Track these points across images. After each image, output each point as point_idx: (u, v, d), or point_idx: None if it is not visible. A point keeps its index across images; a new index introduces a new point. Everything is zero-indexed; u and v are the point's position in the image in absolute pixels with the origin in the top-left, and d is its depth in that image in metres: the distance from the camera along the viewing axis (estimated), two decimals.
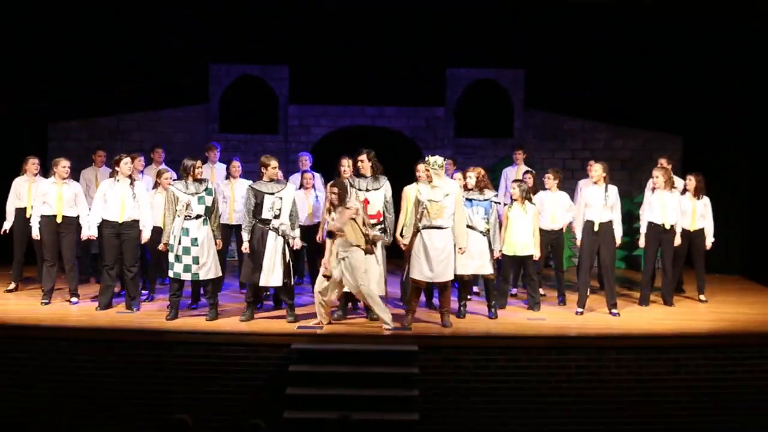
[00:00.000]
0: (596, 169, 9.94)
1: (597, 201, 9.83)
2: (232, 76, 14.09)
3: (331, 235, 9.14)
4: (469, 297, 10.03)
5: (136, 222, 9.81)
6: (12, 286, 10.96)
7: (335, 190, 9.18)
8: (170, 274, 9.44)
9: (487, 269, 9.63)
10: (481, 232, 9.60)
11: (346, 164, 9.99)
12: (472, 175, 9.75)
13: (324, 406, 8.26)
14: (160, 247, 9.49)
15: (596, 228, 9.83)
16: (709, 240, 10.81)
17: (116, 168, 9.77)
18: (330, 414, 7.70)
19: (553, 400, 8.65)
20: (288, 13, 13.35)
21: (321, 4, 13.15)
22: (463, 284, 9.80)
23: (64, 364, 8.76)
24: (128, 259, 9.80)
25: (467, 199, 9.63)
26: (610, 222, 9.88)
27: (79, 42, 13.23)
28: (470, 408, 8.61)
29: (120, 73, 13.53)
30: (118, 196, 9.71)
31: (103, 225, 9.79)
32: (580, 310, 9.96)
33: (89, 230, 9.91)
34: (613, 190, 9.90)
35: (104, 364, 8.75)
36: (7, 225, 10.95)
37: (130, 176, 9.81)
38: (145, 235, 9.87)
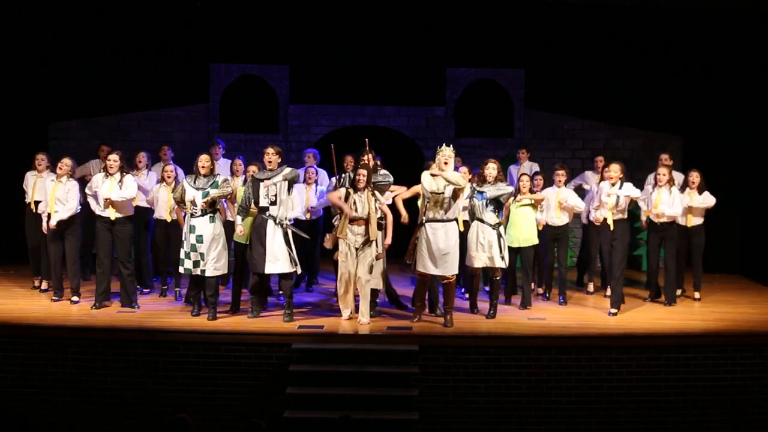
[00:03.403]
0: (615, 170, 9.92)
1: (611, 201, 9.84)
2: (232, 76, 14.09)
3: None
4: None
5: (127, 218, 9.86)
6: (41, 284, 10.95)
7: (363, 172, 9.27)
8: (180, 269, 9.55)
9: (497, 262, 9.59)
10: (491, 225, 9.59)
11: (349, 160, 10.37)
12: (494, 167, 9.71)
13: (324, 405, 8.27)
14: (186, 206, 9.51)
15: (611, 227, 9.86)
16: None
17: (106, 162, 9.88)
18: (330, 413, 7.73)
19: (553, 400, 8.66)
20: (288, 13, 13.35)
21: (321, 3, 13.15)
22: (472, 279, 9.84)
23: (64, 363, 8.77)
24: (121, 254, 9.83)
25: (479, 192, 9.64)
26: (624, 220, 9.88)
27: (79, 42, 13.23)
28: (470, 408, 8.62)
29: (120, 73, 13.53)
30: (106, 191, 9.73)
31: (96, 219, 9.85)
32: (614, 311, 9.92)
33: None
34: (627, 188, 9.91)
35: (104, 364, 8.76)
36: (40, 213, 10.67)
37: (121, 172, 9.83)
38: (131, 193, 9.88)
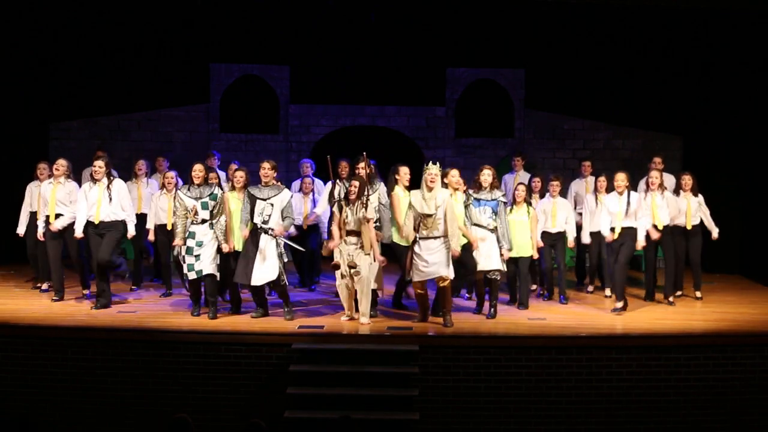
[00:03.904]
0: (621, 179, 9.95)
1: (620, 210, 9.89)
2: (232, 76, 14.10)
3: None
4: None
5: (115, 223, 9.78)
6: (42, 284, 10.97)
7: (355, 183, 9.24)
8: (183, 276, 9.64)
9: (495, 264, 9.62)
10: (488, 229, 9.64)
11: (344, 166, 10.23)
12: (489, 173, 9.76)
13: (324, 405, 8.27)
14: (176, 242, 9.52)
15: (616, 236, 9.90)
16: (715, 231, 10.84)
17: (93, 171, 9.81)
18: (331, 413, 7.74)
19: (553, 400, 8.65)
20: (288, 13, 13.36)
21: (321, 3, 13.16)
22: (475, 282, 9.86)
23: (64, 363, 8.76)
24: (104, 255, 9.68)
25: (476, 199, 9.70)
26: (631, 228, 9.91)
27: (79, 42, 13.23)
28: (470, 408, 8.62)
29: (120, 73, 13.54)
30: (95, 198, 9.72)
31: (88, 227, 9.81)
32: (619, 305, 9.96)
33: (77, 231, 9.91)
34: (635, 197, 9.98)
35: (104, 364, 8.75)
36: (20, 229, 10.90)
37: (108, 176, 9.79)
38: (131, 231, 9.95)
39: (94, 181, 9.78)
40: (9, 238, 11.22)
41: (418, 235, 9.17)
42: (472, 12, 13.30)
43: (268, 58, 14.02)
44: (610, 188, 10.36)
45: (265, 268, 9.26)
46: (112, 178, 9.86)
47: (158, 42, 13.47)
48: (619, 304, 9.93)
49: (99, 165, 9.80)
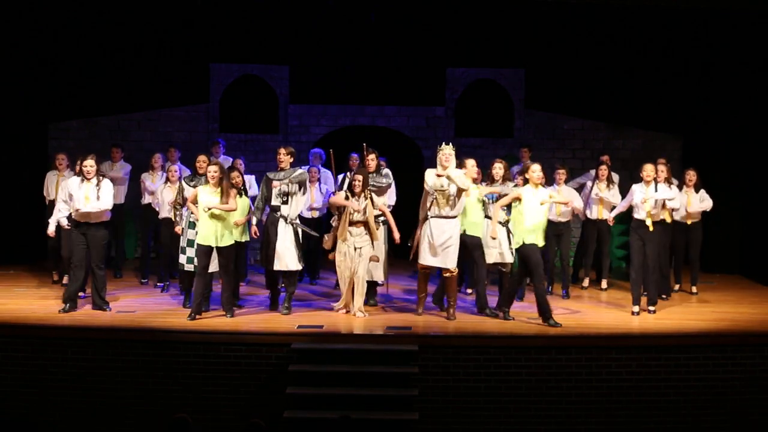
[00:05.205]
0: (650, 170, 9.94)
1: (649, 205, 9.89)
2: (232, 76, 14.08)
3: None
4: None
5: (101, 223, 9.69)
6: (61, 279, 11.00)
7: (358, 176, 9.44)
8: (179, 266, 9.79)
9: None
10: (500, 222, 9.76)
11: (355, 159, 10.54)
12: (501, 167, 10.00)
13: (324, 405, 8.28)
14: (176, 229, 9.79)
15: (651, 228, 9.89)
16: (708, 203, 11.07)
17: (81, 168, 9.65)
18: (330, 413, 7.74)
19: (553, 400, 8.66)
20: (288, 13, 13.35)
21: (321, 3, 13.15)
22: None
23: (64, 363, 8.76)
24: (95, 258, 9.67)
25: (489, 192, 9.89)
26: (655, 222, 9.90)
27: (79, 42, 13.22)
28: (470, 408, 8.62)
29: (120, 73, 13.53)
30: (82, 195, 9.59)
31: (71, 224, 9.75)
32: (636, 309, 9.92)
33: (49, 228, 9.95)
34: (662, 186, 9.99)
35: (104, 364, 8.76)
36: (50, 229, 10.35)
37: (98, 176, 9.68)
38: (107, 204, 9.69)
39: (83, 179, 9.62)
40: (9, 238, 11.19)
41: (430, 214, 9.31)
42: (471, 12, 13.29)
43: (267, 58, 14.00)
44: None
45: (285, 257, 9.50)
46: (101, 177, 9.77)
47: (158, 42, 13.45)
48: (652, 308, 9.96)
49: (90, 164, 9.58)
